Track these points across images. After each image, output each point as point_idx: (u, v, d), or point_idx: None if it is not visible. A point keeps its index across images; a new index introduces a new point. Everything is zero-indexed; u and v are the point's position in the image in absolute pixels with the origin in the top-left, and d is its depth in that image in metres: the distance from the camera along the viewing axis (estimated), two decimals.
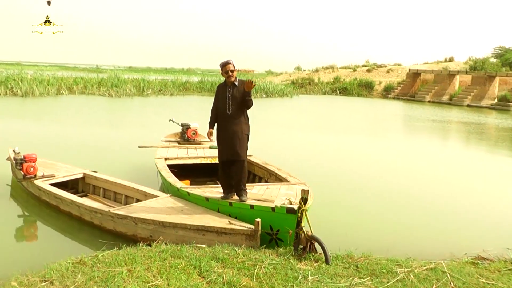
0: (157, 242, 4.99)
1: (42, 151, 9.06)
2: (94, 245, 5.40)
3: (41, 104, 23.26)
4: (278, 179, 7.12)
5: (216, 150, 9.03)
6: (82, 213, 6.21)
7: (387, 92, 41.43)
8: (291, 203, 5.03)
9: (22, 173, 6.99)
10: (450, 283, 4.27)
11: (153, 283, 3.87)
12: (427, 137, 18.34)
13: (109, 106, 23.94)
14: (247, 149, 5.82)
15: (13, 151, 7.45)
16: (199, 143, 9.76)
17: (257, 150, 7.93)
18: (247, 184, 6.55)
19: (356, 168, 11.00)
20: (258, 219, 4.94)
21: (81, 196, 7.26)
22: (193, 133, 9.88)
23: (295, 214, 4.84)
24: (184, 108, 24.54)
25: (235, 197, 5.72)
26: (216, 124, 5.91)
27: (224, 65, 5.65)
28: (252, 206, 5.33)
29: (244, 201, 5.47)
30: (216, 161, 8.58)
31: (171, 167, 7.87)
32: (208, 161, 8.43)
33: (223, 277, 4.03)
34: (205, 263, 4.32)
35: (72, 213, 6.37)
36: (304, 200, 4.80)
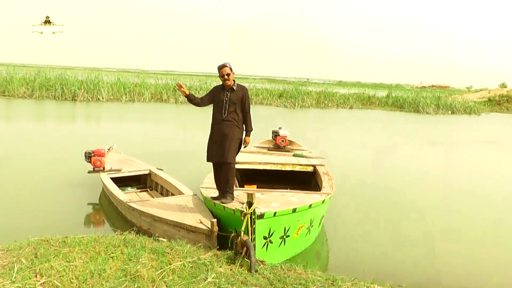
0: (119, 233, 5.37)
1: (139, 150, 10.15)
2: (107, 231, 5.92)
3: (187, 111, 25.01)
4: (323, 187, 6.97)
5: (297, 158, 9.12)
6: (117, 203, 6.94)
7: None
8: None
9: (91, 165, 8.03)
10: None
11: (73, 263, 4.26)
12: None
13: (269, 115, 24.93)
14: (236, 153, 5.82)
15: (109, 148, 8.58)
16: (288, 151, 9.84)
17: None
18: (277, 190, 6.53)
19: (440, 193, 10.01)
20: (214, 220, 5.00)
21: (142, 191, 8.05)
22: (282, 140, 10.01)
23: (244, 218, 4.73)
24: (334, 120, 25.02)
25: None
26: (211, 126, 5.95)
27: (220, 69, 5.72)
28: (224, 208, 5.33)
29: (224, 203, 5.48)
30: (287, 168, 8.65)
31: (239, 171, 8.12)
32: (278, 167, 8.51)
33: (132, 266, 4.22)
34: (136, 253, 4.55)
35: (114, 203, 7.14)
36: (248, 204, 4.66)
